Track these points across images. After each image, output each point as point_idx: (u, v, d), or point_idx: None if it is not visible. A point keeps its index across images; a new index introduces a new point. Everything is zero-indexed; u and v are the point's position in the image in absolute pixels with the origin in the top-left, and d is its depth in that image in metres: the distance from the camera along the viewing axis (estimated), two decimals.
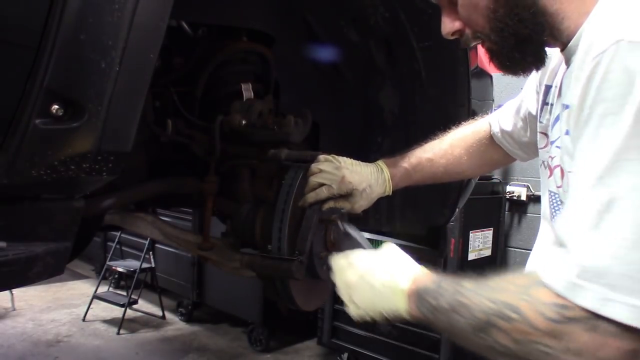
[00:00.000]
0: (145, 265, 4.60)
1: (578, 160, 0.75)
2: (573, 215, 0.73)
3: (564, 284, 0.70)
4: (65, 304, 5.03)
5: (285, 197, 1.27)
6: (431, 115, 1.76)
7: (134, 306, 4.55)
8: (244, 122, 1.58)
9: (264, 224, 1.40)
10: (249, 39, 1.69)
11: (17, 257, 0.91)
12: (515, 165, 3.83)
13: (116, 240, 4.97)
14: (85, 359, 3.93)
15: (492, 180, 3.72)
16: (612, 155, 0.68)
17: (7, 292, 4.61)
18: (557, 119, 0.93)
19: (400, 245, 1.02)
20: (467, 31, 0.94)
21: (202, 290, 4.54)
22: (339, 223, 1.28)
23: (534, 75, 1.08)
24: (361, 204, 1.27)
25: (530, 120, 1.16)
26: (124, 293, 4.68)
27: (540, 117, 1.04)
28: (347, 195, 1.26)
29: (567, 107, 0.83)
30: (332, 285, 1.08)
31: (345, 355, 3.75)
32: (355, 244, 1.23)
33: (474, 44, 0.95)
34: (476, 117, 1.38)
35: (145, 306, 4.79)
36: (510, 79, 1.01)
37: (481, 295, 0.78)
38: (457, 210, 1.95)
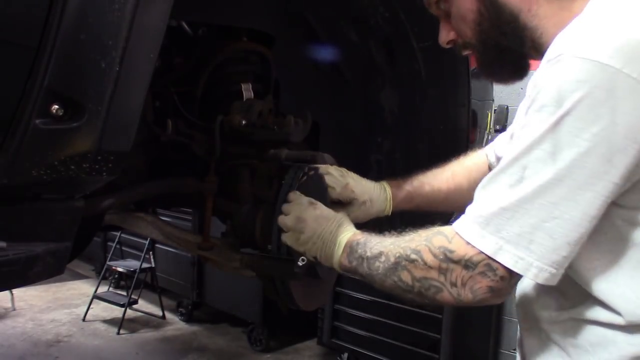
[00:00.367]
0: (145, 265, 4.60)
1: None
2: (485, 180, 0.85)
3: (459, 227, 0.85)
4: (65, 304, 5.03)
5: (285, 197, 1.27)
6: (431, 115, 1.76)
7: (134, 306, 4.55)
8: (244, 122, 1.58)
9: (264, 224, 1.40)
10: (249, 39, 1.69)
11: (17, 257, 0.91)
12: None
13: (116, 240, 4.96)
14: (85, 359, 3.94)
15: None
16: (530, 142, 0.78)
17: (7, 292, 4.61)
18: None
19: None
20: (460, 41, 1.03)
21: (202, 290, 4.54)
22: (318, 173, 1.27)
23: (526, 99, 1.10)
24: (357, 214, 1.28)
25: None
26: (124, 293, 4.69)
27: None
28: (347, 204, 1.27)
29: None
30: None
31: (345, 355, 3.75)
32: (322, 198, 1.21)
33: (465, 53, 1.05)
34: (474, 148, 1.42)
35: (145, 306, 4.79)
36: None
37: (396, 244, 0.94)
38: None
